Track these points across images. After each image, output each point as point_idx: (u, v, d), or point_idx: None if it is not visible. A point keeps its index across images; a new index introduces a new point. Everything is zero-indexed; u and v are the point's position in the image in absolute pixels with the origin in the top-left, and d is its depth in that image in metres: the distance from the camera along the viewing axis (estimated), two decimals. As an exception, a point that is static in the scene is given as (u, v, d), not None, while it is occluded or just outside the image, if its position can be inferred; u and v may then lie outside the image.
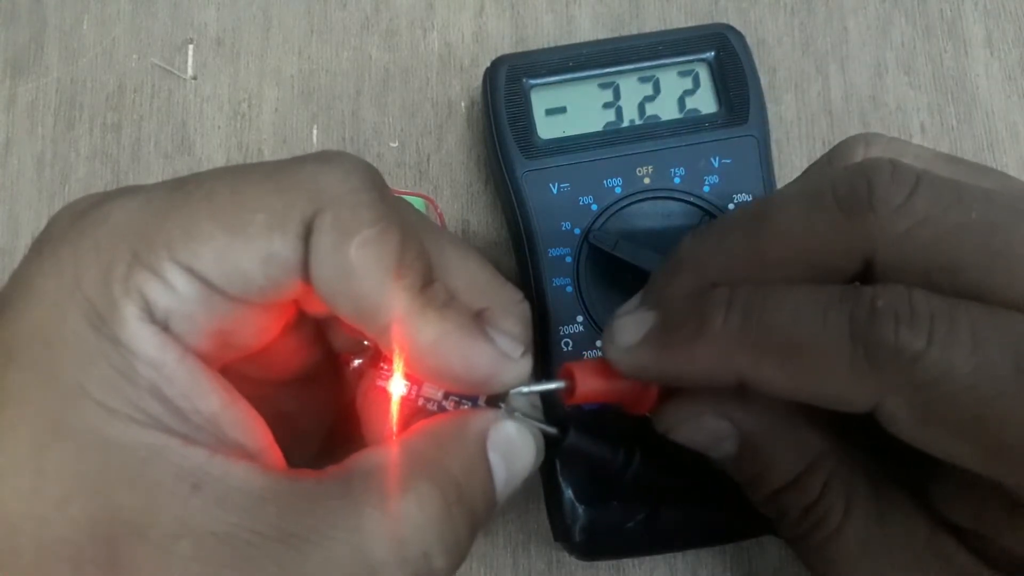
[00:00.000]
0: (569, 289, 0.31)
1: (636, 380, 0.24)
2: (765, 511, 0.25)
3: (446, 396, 0.24)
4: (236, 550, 0.19)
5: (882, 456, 0.24)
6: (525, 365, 0.23)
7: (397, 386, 0.23)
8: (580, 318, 0.31)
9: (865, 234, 0.21)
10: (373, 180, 0.22)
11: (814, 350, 0.20)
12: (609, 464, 0.26)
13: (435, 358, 0.22)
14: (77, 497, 0.19)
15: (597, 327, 0.31)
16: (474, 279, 0.25)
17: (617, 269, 0.30)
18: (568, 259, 0.31)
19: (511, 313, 0.24)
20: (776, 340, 0.21)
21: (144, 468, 0.19)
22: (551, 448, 0.25)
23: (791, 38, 0.39)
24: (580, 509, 0.30)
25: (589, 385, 0.24)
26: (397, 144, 0.37)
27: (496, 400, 0.24)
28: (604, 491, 0.30)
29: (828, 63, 0.38)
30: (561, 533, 0.30)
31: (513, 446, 0.23)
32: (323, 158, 0.22)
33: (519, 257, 0.33)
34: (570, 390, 0.24)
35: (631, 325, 0.23)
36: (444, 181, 0.37)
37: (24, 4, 0.39)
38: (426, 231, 0.24)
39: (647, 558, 0.33)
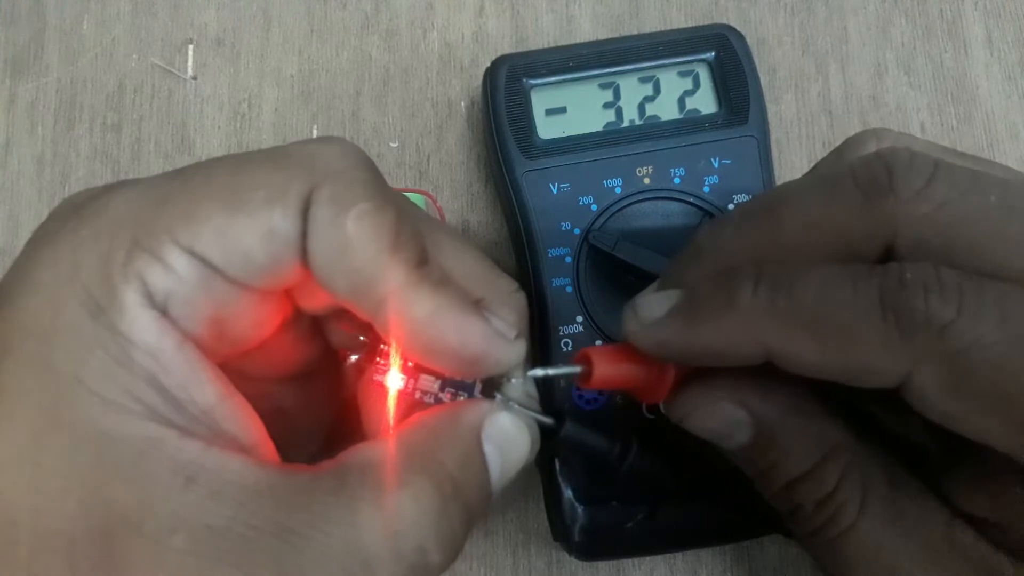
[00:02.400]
0: (569, 289, 0.31)
1: (653, 364, 0.24)
2: (778, 505, 0.25)
3: (442, 388, 0.23)
4: (231, 544, 0.19)
5: (897, 448, 0.24)
6: (520, 347, 0.23)
7: (393, 380, 0.23)
8: (580, 318, 0.31)
9: (886, 218, 0.21)
10: (368, 162, 0.22)
11: (844, 320, 0.20)
12: (605, 455, 0.26)
13: (429, 333, 0.21)
14: (73, 490, 0.19)
15: (597, 327, 0.30)
16: (470, 270, 0.25)
17: (617, 269, 0.30)
18: (568, 259, 0.31)
19: (506, 303, 0.24)
20: (806, 311, 0.21)
21: (140, 461, 0.19)
22: (547, 439, 0.25)
23: (791, 38, 0.39)
24: (579, 509, 0.30)
25: (606, 370, 0.24)
26: (397, 144, 0.37)
27: (491, 391, 0.24)
28: (603, 491, 0.30)
29: (828, 63, 0.38)
30: (560, 533, 0.30)
31: (508, 437, 0.23)
32: (320, 140, 0.22)
33: (519, 257, 0.33)
34: (586, 375, 0.24)
35: (655, 301, 0.23)
36: (444, 181, 0.37)
37: (24, 4, 0.39)
38: (422, 222, 0.24)
39: (647, 558, 0.33)
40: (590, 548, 0.30)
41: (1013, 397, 0.19)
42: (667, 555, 0.33)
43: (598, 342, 0.30)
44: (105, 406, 0.19)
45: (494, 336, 0.22)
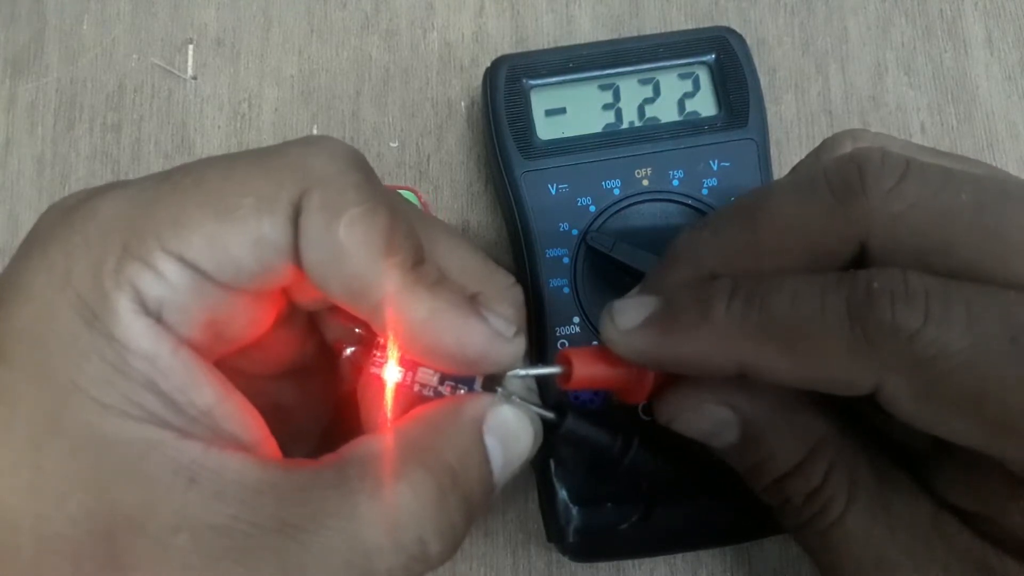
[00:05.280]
0: (566, 290, 0.31)
1: (632, 367, 0.24)
2: (768, 500, 0.25)
3: (442, 381, 0.23)
4: (234, 542, 0.19)
5: (882, 441, 0.24)
6: (518, 345, 0.23)
7: (391, 373, 0.23)
8: (576, 319, 0.31)
9: (858, 218, 0.21)
10: (358, 162, 0.22)
11: (814, 333, 0.20)
12: (606, 450, 0.26)
13: (427, 336, 0.22)
14: (75, 493, 0.19)
15: (593, 328, 0.30)
16: (465, 265, 0.25)
17: (614, 271, 0.30)
18: (565, 260, 0.31)
19: (503, 297, 0.25)
20: (777, 325, 0.21)
21: (140, 463, 0.19)
22: (549, 433, 0.25)
23: (791, 38, 0.39)
24: (574, 510, 0.30)
25: (586, 371, 0.24)
26: (397, 144, 0.37)
27: (493, 385, 0.24)
28: (599, 492, 0.30)
29: (828, 63, 0.38)
30: (555, 534, 0.30)
31: (510, 430, 0.23)
32: (308, 141, 0.22)
33: (517, 257, 0.33)
34: (566, 375, 0.24)
35: (632, 308, 0.23)
36: (444, 181, 0.37)
37: (24, 4, 0.39)
38: (416, 217, 0.24)
39: (647, 558, 0.33)
40: (584, 549, 0.30)
41: (982, 400, 0.19)
42: (667, 555, 0.33)
43: (594, 343, 0.30)
44: (103, 410, 0.19)
45: (493, 336, 0.22)
